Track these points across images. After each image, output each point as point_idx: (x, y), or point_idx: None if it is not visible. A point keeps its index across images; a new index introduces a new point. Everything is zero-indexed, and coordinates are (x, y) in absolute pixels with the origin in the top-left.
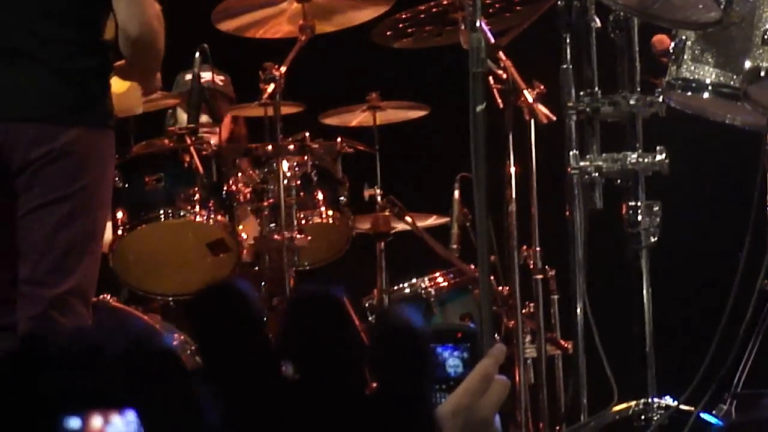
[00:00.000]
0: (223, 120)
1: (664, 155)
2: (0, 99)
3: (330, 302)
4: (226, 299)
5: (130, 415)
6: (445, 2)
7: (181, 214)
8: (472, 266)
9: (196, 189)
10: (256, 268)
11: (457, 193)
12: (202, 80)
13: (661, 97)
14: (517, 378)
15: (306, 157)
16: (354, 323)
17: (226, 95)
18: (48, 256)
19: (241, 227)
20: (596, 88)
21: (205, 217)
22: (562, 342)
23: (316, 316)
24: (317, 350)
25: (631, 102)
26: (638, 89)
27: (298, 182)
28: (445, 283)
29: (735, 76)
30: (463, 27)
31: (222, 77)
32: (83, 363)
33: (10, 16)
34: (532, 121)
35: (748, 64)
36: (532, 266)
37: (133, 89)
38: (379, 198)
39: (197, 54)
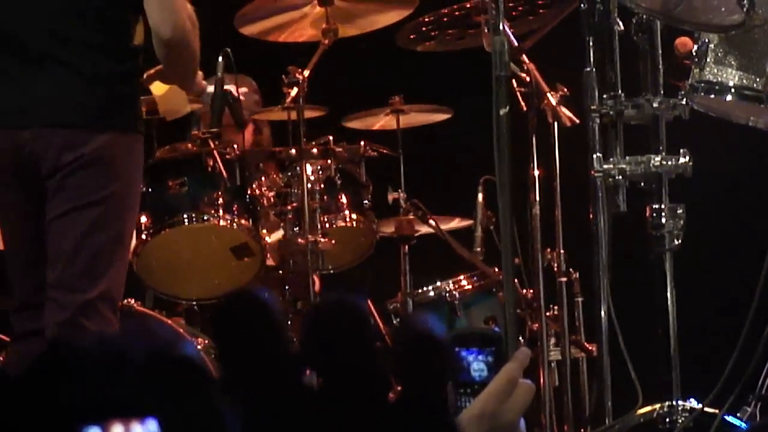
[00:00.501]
0: (247, 125)
1: (687, 158)
2: (30, 104)
3: (352, 310)
4: (248, 309)
5: (152, 425)
6: (468, 5)
7: (205, 218)
8: (496, 269)
9: (220, 193)
10: (280, 272)
11: (480, 196)
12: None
13: (684, 100)
14: (542, 381)
15: (329, 161)
16: (376, 330)
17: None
18: (77, 261)
19: (264, 231)
20: (619, 91)
21: (228, 222)
22: (587, 345)
23: (338, 324)
24: (339, 358)
25: (655, 105)
26: (661, 92)
27: (322, 186)
28: (469, 287)
29: (758, 79)
30: (486, 30)
31: (245, 88)
32: (106, 371)
33: (38, 21)
34: (556, 124)
35: None
36: (556, 269)
37: (176, 90)
38: (402, 201)
39: (220, 59)
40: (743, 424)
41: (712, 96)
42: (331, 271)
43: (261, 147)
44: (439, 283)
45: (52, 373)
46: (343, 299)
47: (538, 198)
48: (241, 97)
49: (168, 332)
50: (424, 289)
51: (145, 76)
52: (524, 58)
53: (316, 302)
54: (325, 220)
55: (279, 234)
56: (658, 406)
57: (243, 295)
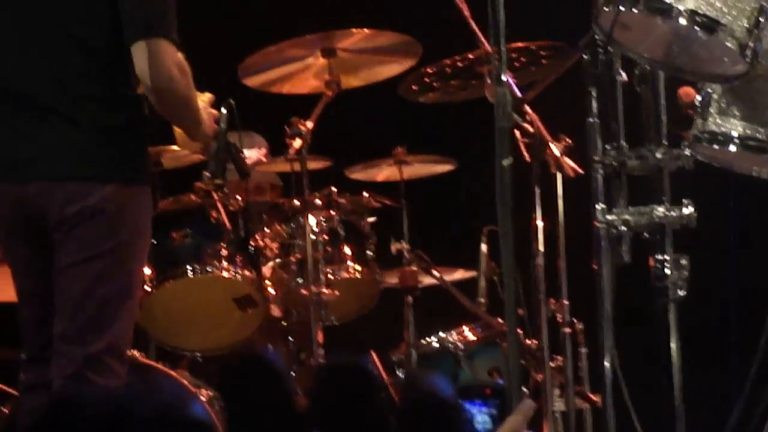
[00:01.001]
0: (249, 176)
1: (691, 208)
2: (34, 158)
3: (359, 371)
4: (254, 369)
5: None
6: (470, 56)
7: (208, 269)
8: (500, 320)
9: (223, 244)
10: (284, 323)
11: (484, 247)
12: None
13: (687, 150)
14: None
15: (333, 212)
16: (383, 390)
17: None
18: (82, 314)
19: (267, 282)
20: (623, 142)
21: (232, 273)
22: (591, 395)
23: (345, 384)
24: (346, 418)
25: (658, 155)
26: (665, 142)
27: (326, 237)
28: (473, 337)
29: (762, 129)
30: (489, 81)
31: (264, 149)
32: (112, 428)
33: (39, 74)
34: (559, 174)
35: None
36: (560, 319)
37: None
38: (406, 252)
39: (224, 110)
40: None
41: (716, 146)
42: (335, 323)
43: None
44: (442, 334)
45: (57, 429)
46: (349, 359)
47: (541, 248)
48: (263, 159)
49: (175, 388)
50: (428, 339)
51: None
52: (527, 108)
53: (324, 363)
54: (329, 271)
55: (282, 285)
56: None
57: (250, 354)
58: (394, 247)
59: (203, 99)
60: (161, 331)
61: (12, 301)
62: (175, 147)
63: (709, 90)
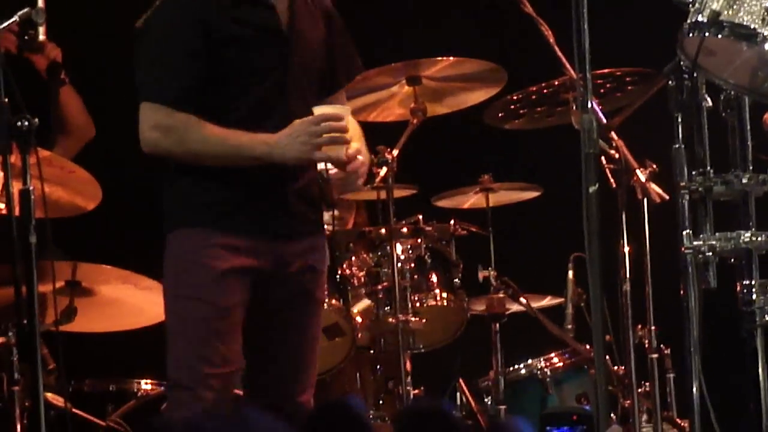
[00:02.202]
0: (336, 205)
1: None
2: None
3: (439, 416)
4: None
5: None
6: (556, 83)
7: None
8: (588, 346)
9: None
10: (372, 351)
11: (571, 274)
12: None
13: None
14: None
15: (419, 240)
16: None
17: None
18: None
19: (355, 310)
20: (708, 167)
21: None
22: (679, 421)
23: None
24: None
25: (744, 181)
26: (750, 168)
27: (412, 265)
28: (561, 364)
29: None
30: (574, 107)
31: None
32: None
33: None
34: (645, 200)
35: None
36: (647, 345)
37: None
38: (493, 279)
39: None
40: None
41: None
42: (422, 350)
43: (355, 228)
44: (530, 361)
45: None
46: (430, 404)
47: (628, 274)
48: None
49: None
50: (516, 366)
51: None
52: (613, 135)
53: (406, 408)
54: (416, 299)
55: (370, 313)
56: None
57: (336, 404)
58: (482, 274)
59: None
60: None
61: (103, 332)
62: None
63: None
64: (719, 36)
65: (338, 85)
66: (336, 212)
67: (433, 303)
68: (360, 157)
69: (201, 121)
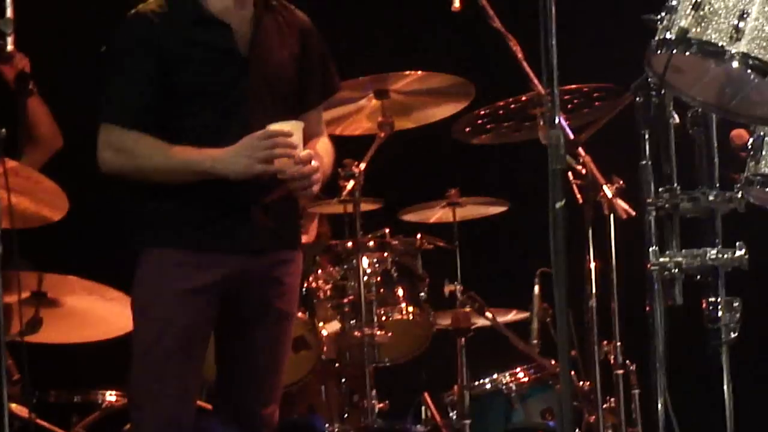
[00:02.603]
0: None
1: (743, 251)
2: None
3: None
4: None
5: None
6: (523, 98)
7: None
8: (553, 361)
9: None
10: (337, 365)
11: (537, 289)
12: None
13: (740, 193)
14: None
15: (386, 254)
16: None
17: None
18: None
19: (321, 324)
20: (675, 184)
21: None
22: None
23: None
24: None
25: (711, 198)
26: (717, 185)
27: (379, 279)
28: (526, 379)
29: None
30: (541, 123)
31: None
32: None
33: None
34: (612, 216)
35: None
36: (612, 361)
37: None
38: (459, 294)
39: None
40: None
41: None
42: (388, 364)
43: (320, 240)
44: (495, 376)
45: None
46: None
47: (594, 290)
48: None
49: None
50: (481, 381)
51: None
52: (580, 150)
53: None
54: (382, 312)
55: (335, 326)
56: None
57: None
58: (447, 288)
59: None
60: (212, 371)
61: (68, 343)
62: None
63: (762, 133)
64: (687, 53)
65: (310, 105)
66: None
67: (399, 317)
68: (314, 163)
69: (151, 138)
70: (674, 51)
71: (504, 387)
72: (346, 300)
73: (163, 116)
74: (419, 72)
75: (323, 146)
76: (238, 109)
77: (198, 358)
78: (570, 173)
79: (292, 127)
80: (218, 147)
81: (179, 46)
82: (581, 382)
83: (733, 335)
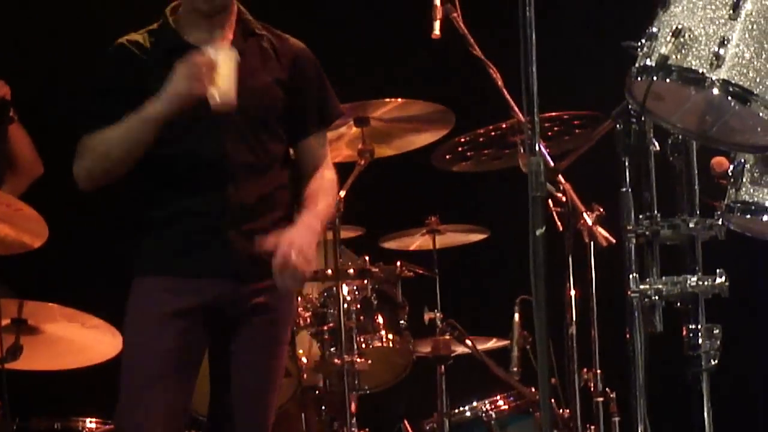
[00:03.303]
0: None
1: (723, 278)
2: None
3: None
4: None
5: None
6: (503, 126)
7: None
8: (533, 389)
9: None
10: (317, 392)
11: (517, 316)
12: None
13: (720, 220)
14: None
15: (366, 281)
16: None
17: None
18: None
19: (301, 351)
20: (655, 212)
21: None
22: None
23: None
24: None
25: (691, 225)
26: (697, 212)
27: (359, 306)
28: (506, 406)
29: None
30: (522, 150)
31: None
32: None
33: None
34: (592, 243)
35: None
36: (592, 389)
37: None
38: (439, 321)
39: None
40: None
41: (749, 216)
42: (368, 391)
43: None
44: (475, 403)
45: None
46: None
47: (574, 318)
48: None
49: None
50: (461, 409)
51: None
52: (560, 178)
53: None
54: (362, 340)
55: (315, 353)
56: None
57: None
58: (427, 316)
59: None
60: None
61: (48, 370)
62: None
63: (742, 160)
64: (667, 80)
65: (307, 132)
66: None
67: (379, 344)
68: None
69: (107, 127)
70: (654, 78)
71: (484, 415)
72: (326, 327)
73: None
74: (399, 99)
75: (321, 185)
76: (214, 133)
77: (183, 383)
78: (550, 201)
79: (216, 54)
80: (194, 175)
81: (157, 74)
82: (561, 410)
83: (713, 362)
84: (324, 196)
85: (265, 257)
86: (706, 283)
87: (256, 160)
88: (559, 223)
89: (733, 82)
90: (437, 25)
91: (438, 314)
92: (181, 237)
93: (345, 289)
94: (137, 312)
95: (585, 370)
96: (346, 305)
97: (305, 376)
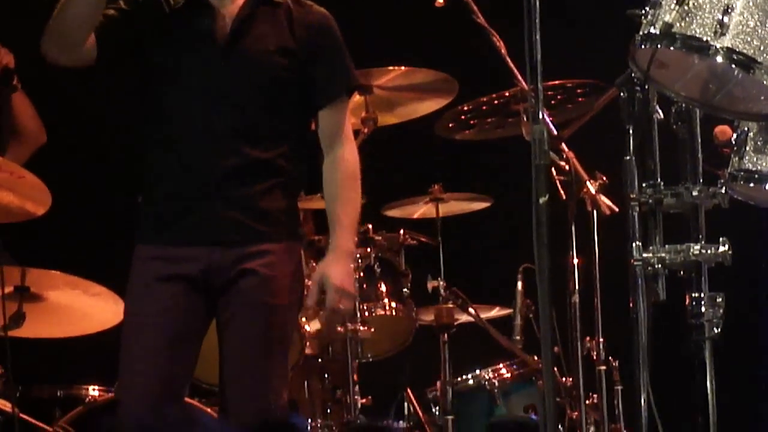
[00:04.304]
0: None
1: (727, 246)
2: None
3: None
4: None
5: None
6: (507, 94)
7: None
8: (536, 357)
9: None
10: (320, 360)
11: (520, 285)
12: None
13: (723, 188)
14: None
15: (369, 250)
16: None
17: None
18: None
19: (303, 319)
20: (659, 180)
21: None
22: None
23: None
24: None
25: (694, 193)
26: (701, 180)
27: (361, 274)
28: (509, 375)
29: None
30: (525, 119)
31: None
32: None
33: None
34: (595, 212)
35: None
36: (595, 357)
37: None
38: (442, 290)
39: None
40: None
41: (752, 184)
42: (371, 360)
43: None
44: (478, 372)
45: None
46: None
47: (577, 286)
48: None
49: (212, 423)
50: (464, 377)
51: None
52: (563, 146)
53: (358, 425)
54: (365, 308)
55: (318, 323)
56: None
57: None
58: (430, 284)
59: None
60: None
61: (51, 338)
62: None
63: (746, 128)
64: (671, 48)
65: (319, 103)
66: None
67: (382, 312)
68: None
69: None
70: (658, 46)
71: (487, 383)
72: None
73: (138, 95)
74: (403, 68)
75: (342, 177)
76: (203, 98)
77: (178, 349)
78: (553, 169)
79: None
80: (179, 140)
81: (164, 21)
82: (564, 378)
83: (716, 331)
84: (346, 193)
85: (250, 223)
86: (709, 251)
87: (247, 127)
88: (562, 192)
89: (737, 50)
90: None
91: (441, 282)
92: (165, 204)
93: None
94: (131, 279)
95: (588, 338)
96: None
97: (308, 344)
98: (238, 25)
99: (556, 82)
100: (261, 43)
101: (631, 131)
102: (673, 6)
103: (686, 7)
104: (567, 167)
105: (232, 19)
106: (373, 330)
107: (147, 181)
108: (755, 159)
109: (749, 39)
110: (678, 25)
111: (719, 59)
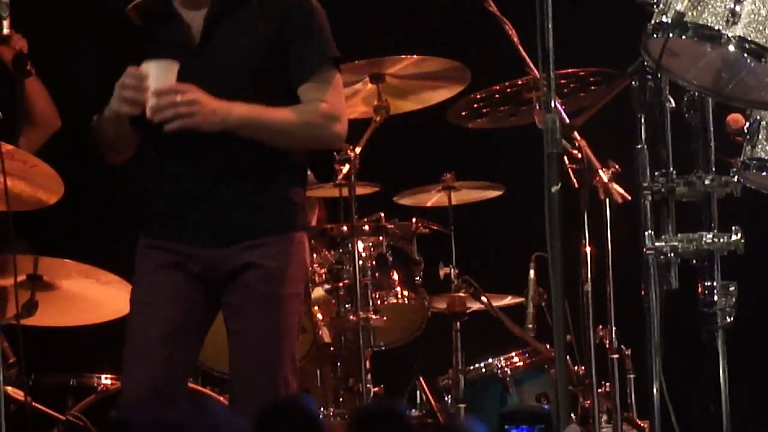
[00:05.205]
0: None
1: (739, 235)
2: None
3: (393, 418)
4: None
5: None
6: (519, 82)
7: None
8: (548, 346)
9: None
10: (332, 348)
11: (532, 273)
12: None
13: (735, 177)
14: None
15: (381, 238)
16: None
17: None
18: None
19: (316, 308)
20: (671, 168)
21: None
22: (639, 422)
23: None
24: None
25: (706, 182)
26: (713, 169)
27: (374, 263)
28: (521, 363)
29: None
30: (537, 107)
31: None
32: None
33: None
34: (607, 200)
35: None
36: (607, 345)
37: None
38: (454, 278)
39: None
40: None
41: (764, 173)
42: (383, 348)
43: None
44: (490, 360)
45: None
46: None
47: (589, 275)
48: None
49: (225, 412)
50: (476, 365)
51: None
52: (576, 135)
53: (364, 408)
54: (377, 296)
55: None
56: None
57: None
58: (443, 272)
59: None
60: (207, 355)
61: (64, 327)
62: None
63: (758, 117)
64: (683, 37)
65: (296, 84)
66: None
67: (394, 301)
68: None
69: None
70: (670, 35)
71: (499, 371)
72: (341, 284)
73: None
74: (415, 56)
75: (308, 110)
76: None
77: (181, 338)
78: (565, 158)
79: (150, 68)
80: (172, 141)
81: (136, 37)
82: (576, 367)
83: (728, 319)
84: (298, 114)
85: (244, 219)
86: (721, 240)
87: None
88: (574, 180)
89: (749, 39)
90: None
91: (453, 270)
92: (162, 202)
93: (360, 245)
94: (136, 267)
95: (600, 327)
96: (361, 262)
97: (320, 332)
98: (207, 27)
99: (569, 70)
100: (233, 39)
101: (643, 120)
102: None
103: None
104: (579, 155)
105: (201, 22)
106: (385, 318)
107: (145, 179)
108: None
109: (761, 28)
110: (690, 14)
111: (731, 48)
